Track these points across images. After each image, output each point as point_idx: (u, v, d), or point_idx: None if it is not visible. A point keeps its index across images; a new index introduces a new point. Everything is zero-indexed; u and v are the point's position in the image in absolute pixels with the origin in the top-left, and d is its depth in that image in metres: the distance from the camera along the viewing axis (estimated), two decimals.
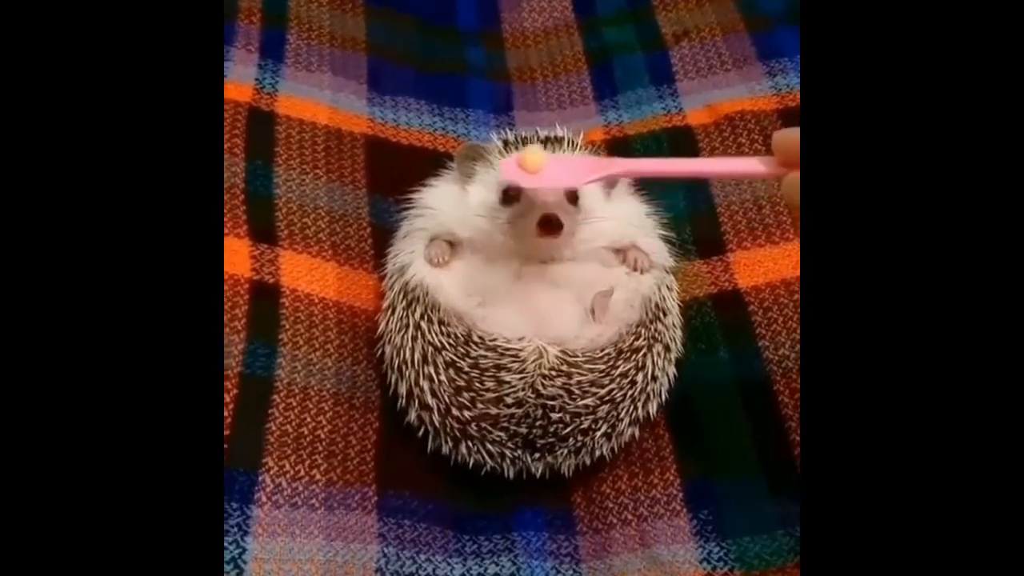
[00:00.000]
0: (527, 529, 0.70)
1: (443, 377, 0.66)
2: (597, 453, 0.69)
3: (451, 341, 0.66)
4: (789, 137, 0.51)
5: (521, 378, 0.65)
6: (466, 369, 0.65)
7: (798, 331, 0.75)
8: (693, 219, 0.84)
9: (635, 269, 0.70)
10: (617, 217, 0.71)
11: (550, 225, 0.63)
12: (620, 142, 0.92)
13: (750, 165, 0.57)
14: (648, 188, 0.84)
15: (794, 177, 0.49)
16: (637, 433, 0.70)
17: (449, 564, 0.67)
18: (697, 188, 0.86)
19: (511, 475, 0.68)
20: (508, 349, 0.65)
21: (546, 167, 0.58)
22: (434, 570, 0.67)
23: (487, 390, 0.65)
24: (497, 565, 0.68)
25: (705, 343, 0.77)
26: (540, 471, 0.68)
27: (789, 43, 0.95)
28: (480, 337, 0.66)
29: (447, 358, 0.66)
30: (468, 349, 0.66)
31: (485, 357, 0.65)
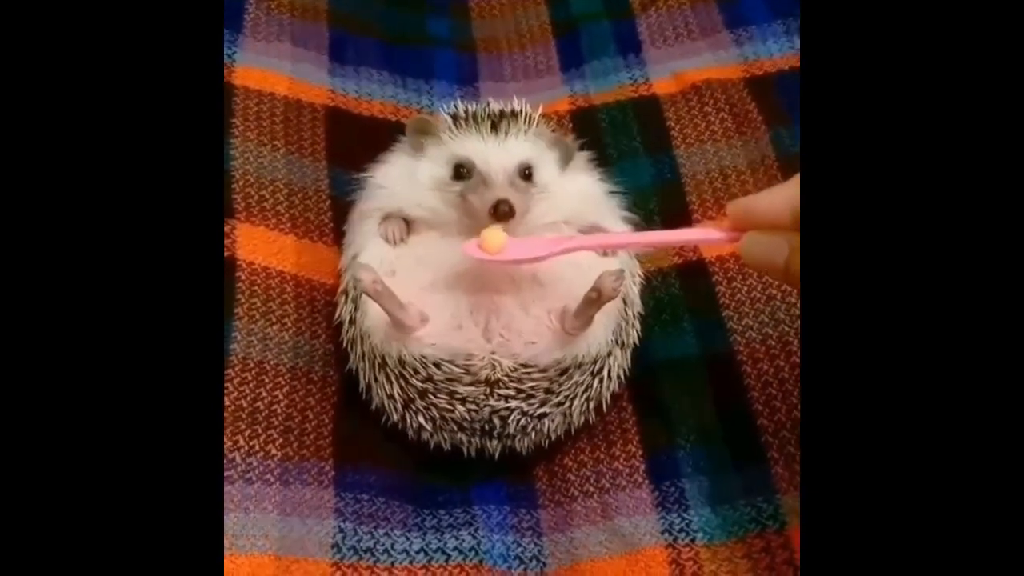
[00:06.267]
0: (488, 503, 0.69)
1: (395, 388, 0.65)
2: (553, 438, 0.68)
3: (396, 361, 0.65)
4: (742, 205, 0.52)
5: (475, 388, 0.64)
6: (417, 384, 0.64)
7: (762, 301, 0.75)
8: (658, 191, 0.84)
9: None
10: (573, 192, 0.69)
11: (503, 212, 0.62)
12: (586, 112, 0.90)
13: (706, 233, 0.59)
14: (611, 160, 0.84)
15: (749, 237, 0.51)
16: (592, 418, 0.69)
17: (408, 538, 0.66)
18: (662, 159, 0.85)
19: (472, 454, 0.67)
20: (457, 366, 0.64)
21: (506, 247, 0.60)
22: (392, 544, 0.66)
23: (440, 398, 0.64)
24: (457, 539, 0.67)
25: (669, 314, 0.76)
26: (499, 452, 0.67)
27: (756, 11, 0.94)
28: (423, 358, 0.64)
29: (396, 371, 0.65)
30: (416, 368, 0.64)
31: (436, 374, 0.64)
